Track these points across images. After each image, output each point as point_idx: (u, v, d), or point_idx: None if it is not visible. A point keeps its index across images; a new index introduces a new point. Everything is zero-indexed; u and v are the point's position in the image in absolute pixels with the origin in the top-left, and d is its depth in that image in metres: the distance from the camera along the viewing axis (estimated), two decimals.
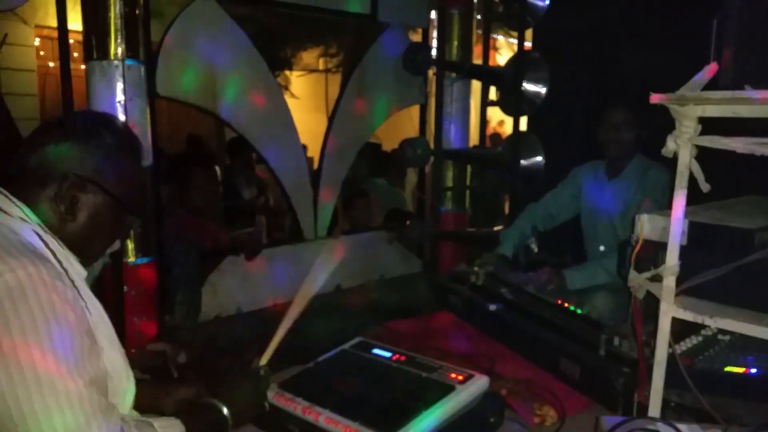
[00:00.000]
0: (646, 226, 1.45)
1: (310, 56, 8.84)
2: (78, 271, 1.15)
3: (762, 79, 1.28)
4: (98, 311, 1.16)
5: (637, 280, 1.44)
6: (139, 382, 1.27)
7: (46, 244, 1.10)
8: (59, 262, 1.09)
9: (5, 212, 1.10)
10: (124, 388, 1.19)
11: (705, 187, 1.32)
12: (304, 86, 9.22)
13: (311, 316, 2.85)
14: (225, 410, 1.30)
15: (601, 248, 2.63)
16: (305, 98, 8.86)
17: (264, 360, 1.52)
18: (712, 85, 1.35)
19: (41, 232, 1.10)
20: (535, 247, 3.12)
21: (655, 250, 1.43)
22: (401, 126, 4.66)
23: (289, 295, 3.03)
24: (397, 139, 3.82)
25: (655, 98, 1.31)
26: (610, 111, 2.57)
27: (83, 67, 2.30)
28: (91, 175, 1.15)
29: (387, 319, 2.58)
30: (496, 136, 7.65)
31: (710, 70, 1.36)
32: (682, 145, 1.29)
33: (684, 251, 1.36)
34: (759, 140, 1.18)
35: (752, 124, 1.24)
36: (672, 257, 1.35)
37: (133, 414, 1.27)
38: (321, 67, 9.30)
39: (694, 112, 1.27)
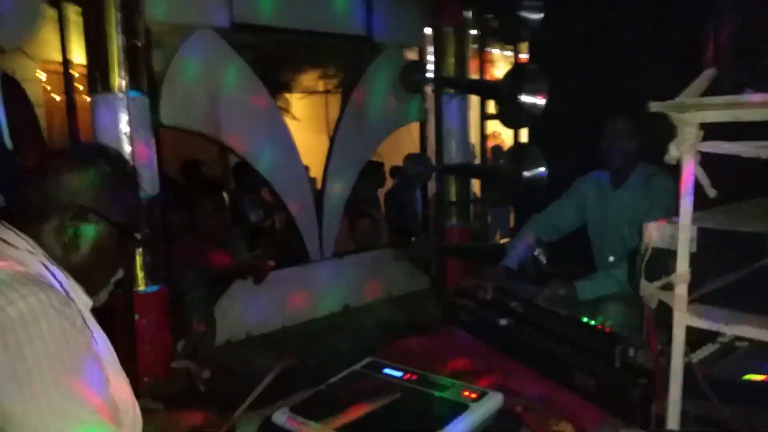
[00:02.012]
0: (654, 234, 1.44)
1: (309, 78, 8.88)
2: (84, 301, 1.16)
3: (762, 81, 1.27)
4: (104, 341, 1.16)
5: (649, 289, 1.42)
6: (147, 412, 1.26)
7: (54, 275, 1.11)
8: (66, 292, 1.10)
9: (12, 245, 1.11)
10: (131, 419, 1.18)
11: (711, 192, 1.30)
12: (305, 108, 9.25)
13: (320, 337, 2.86)
14: None
15: (611, 258, 2.60)
16: (306, 120, 8.89)
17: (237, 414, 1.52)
18: (712, 90, 1.35)
19: (48, 263, 1.12)
20: (543, 259, 3.10)
21: (665, 259, 1.41)
22: (402, 142, 4.68)
23: (297, 317, 3.07)
24: (398, 156, 3.83)
25: (655, 106, 1.31)
26: (611, 120, 2.56)
27: (89, 99, 2.33)
28: (91, 204, 1.16)
29: (397, 337, 2.56)
30: (497, 148, 7.65)
31: (708, 75, 1.36)
32: (685, 151, 1.28)
33: (694, 258, 1.35)
34: (763, 143, 1.17)
35: (757, 127, 1.23)
36: (682, 265, 1.33)
37: None
38: (321, 88, 9.34)
39: (694, 119, 1.26)
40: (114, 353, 1.19)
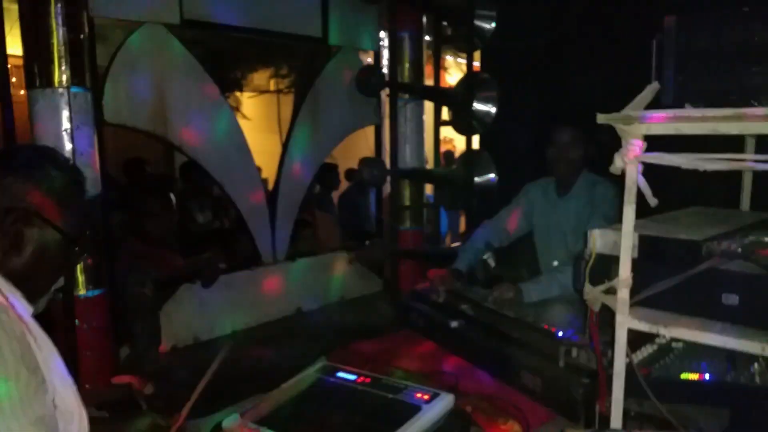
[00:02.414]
0: (598, 240, 1.50)
1: (260, 77, 8.76)
2: (24, 307, 1.11)
3: (701, 96, 1.35)
4: (49, 348, 1.11)
5: (593, 293, 1.48)
6: (93, 420, 1.22)
7: None
8: (5, 297, 1.05)
9: None
10: (76, 428, 1.14)
11: (652, 201, 1.37)
12: (256, 107, 9.12)
13: (272, 341, 2.82)
14: None
15: (555, 263, 2.69)
16: (257, 119, 8.75)
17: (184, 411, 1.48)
18: (654, 103, 1.42)
19: None
20: (492, 262, 3.16)
21: (608, 264, 1.47)
22: (357, 145, 4.69)
23: (248, 321, 3.02)
24: (353, 158, 3.83)
25: (602, 118, 1.37)
26: (557, 130, 2.64)
27: (23, 92, 2.22)
28: (36, 208, 1.12)
29: (350, 340, 2.56)
30: (449, 153, 7.78)
31: (652, 89, 1.44)
32: (629, 162, 1.34)
33: (636, 264, 1.41)
34: (701, 156, 1.24)
35: (693, 139, 1.31)
36: (624, 270, 1.40)
37: None
38: (272, 88, 9.23)
39: (639, 131, 1.33)
40: (60, 360, 1.15)
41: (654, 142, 1.37)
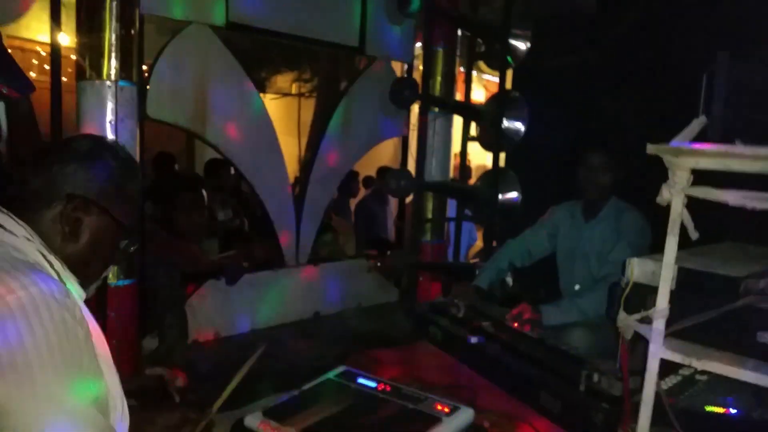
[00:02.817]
0: (635, 269, 1.51)
1: (283, 80, 8.89)
2: (78, 292, 1.15)
3: (748, 134, 1.36)
4: (97, 333, 1.14)
5: (627, 321, 1.49)
6: None
7: (51, 264, 1.09)
8: (62, 282, 1.08)
9: (10, 232, 1.09)
10: (119, 414, 1.17)
11: (694, 235, 1.38)
12: (276, 109, 9.22)
13: (291, 342, 2.85)
14: None
15: (576, 287, 2.69)
16: (277, 121, 8.82)
17: (216, 406, 1.51)
18: (700, 137, 1.44)
19: (45, 252, 1.10)
20: (510, 281, 3.18)
21: (644, 293, 1.48)
22: (375, 153, 4.73)
23: (267, 321, 3.05)
24: (369, 166, 3.87)
25: (652, 149, 1.38)
26: (589, 153, 2.65)
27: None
28: (95, 197, 1.15)
29: (366, 346, 2.58)
30: (466, 168, 7.79)
31: (700, 123, 1.45)
32: (675, 194, 1.35)
33: (672, 295, 1.42)
34: (749, 194, 1.25)
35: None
36: (662, 301, 1.41)
37: None
38: (294, 91, 9.35)
39: (687, 164, 1.34)
40: (106, 346, 1.18)
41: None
